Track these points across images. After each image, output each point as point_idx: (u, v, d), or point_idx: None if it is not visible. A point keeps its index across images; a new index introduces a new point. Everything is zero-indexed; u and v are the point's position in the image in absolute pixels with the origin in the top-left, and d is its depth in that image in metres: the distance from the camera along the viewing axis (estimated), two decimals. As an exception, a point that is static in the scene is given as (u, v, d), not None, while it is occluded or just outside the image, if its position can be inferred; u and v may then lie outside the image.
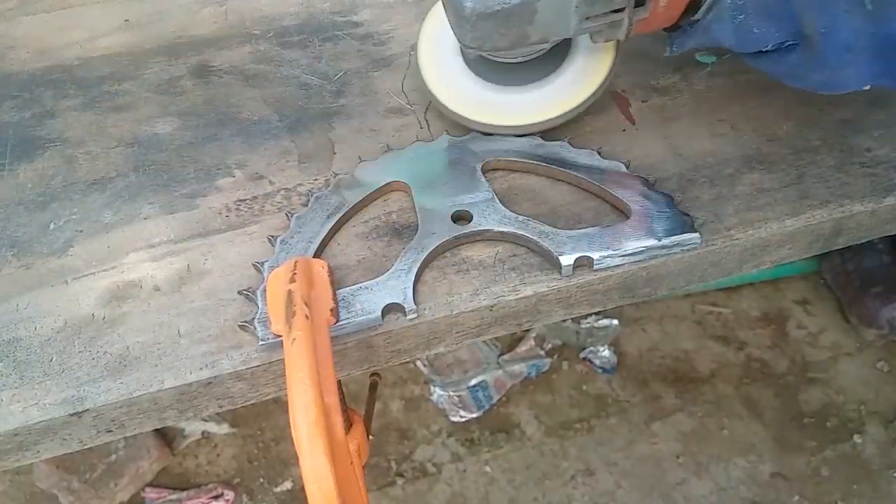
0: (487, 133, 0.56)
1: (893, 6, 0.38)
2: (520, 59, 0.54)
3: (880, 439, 1.52)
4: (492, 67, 0.55)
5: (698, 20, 0.47)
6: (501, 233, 0.49)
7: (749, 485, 1.46)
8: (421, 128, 0.60)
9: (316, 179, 0.56)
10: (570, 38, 0.53)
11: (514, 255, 0.49)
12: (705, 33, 0.48)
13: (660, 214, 0.50)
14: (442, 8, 0.50)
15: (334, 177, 0.56)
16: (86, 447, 0.45)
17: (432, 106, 0.60)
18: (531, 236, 0.49)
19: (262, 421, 1.55)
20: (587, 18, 0.45)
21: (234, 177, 0.57)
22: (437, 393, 1.59)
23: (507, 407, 1.58)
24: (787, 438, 1.53)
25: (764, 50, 0.47)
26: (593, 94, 0.54)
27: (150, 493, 1.43)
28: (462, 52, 0.56)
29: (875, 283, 1.64)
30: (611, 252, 0.48)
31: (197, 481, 1.46)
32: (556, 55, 0.54)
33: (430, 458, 1.50)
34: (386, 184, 0.53)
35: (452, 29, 0.48)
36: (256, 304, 0.45)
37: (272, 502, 1.45)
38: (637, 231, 0.49)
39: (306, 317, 0.39)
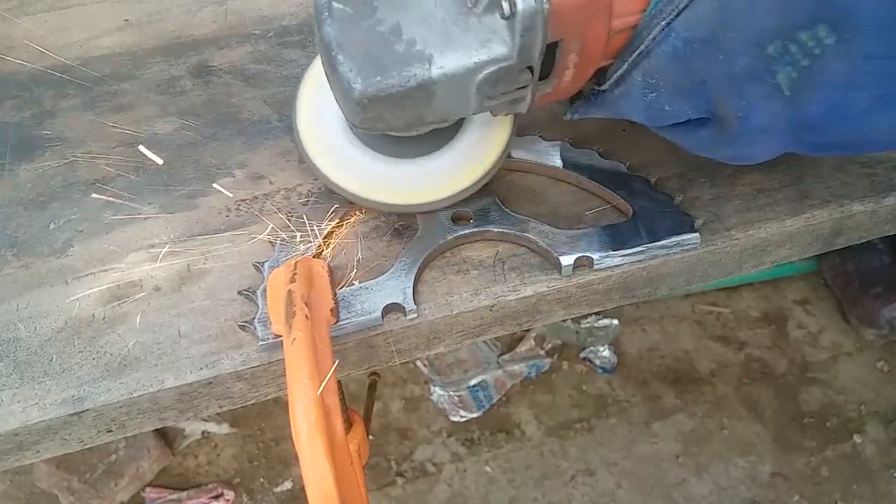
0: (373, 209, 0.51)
1: (811, 91, 0.37)
2: (413, 133, 0.47)
3: (880, 439, 1.52)
4: (381, 139, 0.49)
5: (603, 91, 0.45)
6: (501, 233, 0.49)
7: (749, 485, 1.46)
8: (421, 128, 0.60)
9: (316, 179, 0.56)
10: None
11: (514, 255, 0.49)
12: (611, 106, 0.46)
13: (660, 214, 0.50)
14: (321, 72, 0.44)
15: (334, 177, 0.55)
16: (86, 447, 0.45)
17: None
18: (531, 236, 0.49)
19: (262, 421, 1.55)
20: (488, 98, 0.42)
21: (234, 177, 0.57)
22: (437, 393, 1.59)
23: (507, 407, 1.58)
24: (787, 438, 1.53)
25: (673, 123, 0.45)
26: (491, 167, 0.50)
27: (151, 493, 1.43)
28: (353, 132, 0.50)
29: (875, 283, 1.64)
30: (611, 252, 0.48)
31: (197, 481, 1.46)
32: (452, 126, 0.50)
33: (430, 458, 1.50)
34: (386, 184, 0.53)
35: (340, 108, 0.43)
36: (256, 304, 0.45)
37: (272, 502, 1.45)
38: (637, 231, 0.49)
39: (306, 317, 0.39)
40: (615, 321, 1.67)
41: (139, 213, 0.54)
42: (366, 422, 0.48)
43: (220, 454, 1.51)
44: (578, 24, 0.39)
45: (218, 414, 1.52)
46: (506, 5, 0.37)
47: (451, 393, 1.58)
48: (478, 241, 0.50)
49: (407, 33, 0.40)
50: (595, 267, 0.48)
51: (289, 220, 0.51)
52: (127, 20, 0.74)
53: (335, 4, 0.40)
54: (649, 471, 1.48)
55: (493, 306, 0.47)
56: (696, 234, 0.49)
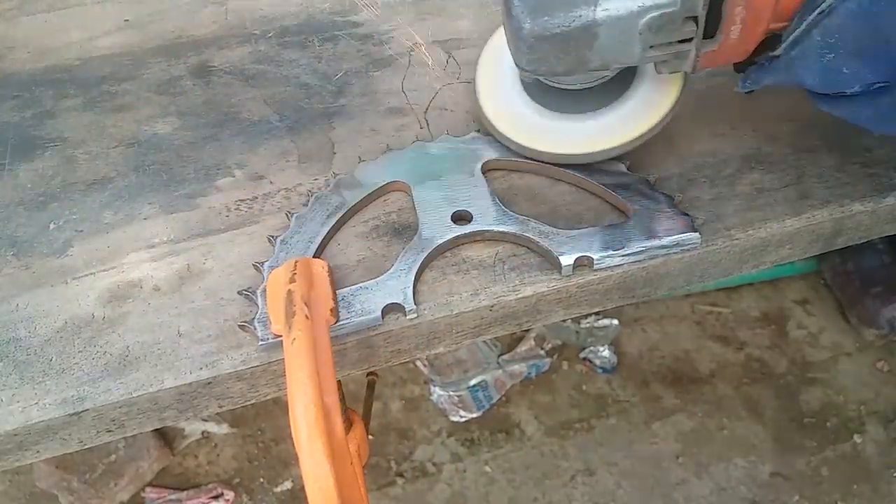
0: (538, 160, 0.53)
1: None
2: (579, 86, 0.51)
3: (880, 439, 1.52)
4: (550, 93, 0.52)
5: (778, 56, 0.43)
6: (501, 233, 0.49)
7: (749, 485, 1.46)
8: (421, 128, 0.60)
9: (316, 179, 0.56)
10: (635, 67, 0.51)
11: (514, 255, 0.49)
12: (786, 71, 0.44)
13: (660, 214, 0.50)
14: (502, 33, 0.49)
15: (334, 177, 0.56)
16: (86, 447, 0.45)
17: (433, 105, 0.60)
18: (531, 236, 0.49)
19: (262, 421, 1.55)
20: (651, 47, 0.43)
21: (234, 177, 0.57)
22: (437, 393, 1.59)
23: (507, 407, 1.58)
24: (787, 438, 1.53)
25: (847, 93, 0.43)
26: (653, 127, 0.51)
27: (150, 493, 1.43)
28: (520, 77, 0.54)
29: (875, 283, 1.65)
30: (611, 252, 0.48)
31: (197, 481, 1.46)
32: (620, 83, 0.52)
33: (430, 458, 1.50)
34: (386, 184, 0.53)
35: (510, 50, 0.46)
36: (256, 304, 0.45)
37: (272, 502, 1.45)
38: (637, 231, 0.49)
39: (306, 317, 0.39)
40: (615, 321, 1.67)
41: (139, 213, 0.54)
42: (365, 422, 0.48)
43: (219, 454, 1.51)
44: None
45: (218, 414, 1.52)
46: None
47: (451, 393, 1.58)
48: (478, 241, 0.50)
49: None
50: (595, 267, 0.48)
51: (289, 220, 0.51)
52: (127, 20, 0.74)
53: None
54: (649, 471, 1.48)
55: (492, 306, 0.47)
56: (696, 234, 0.49)
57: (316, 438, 0.35)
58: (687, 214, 0.50)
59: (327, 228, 0.50)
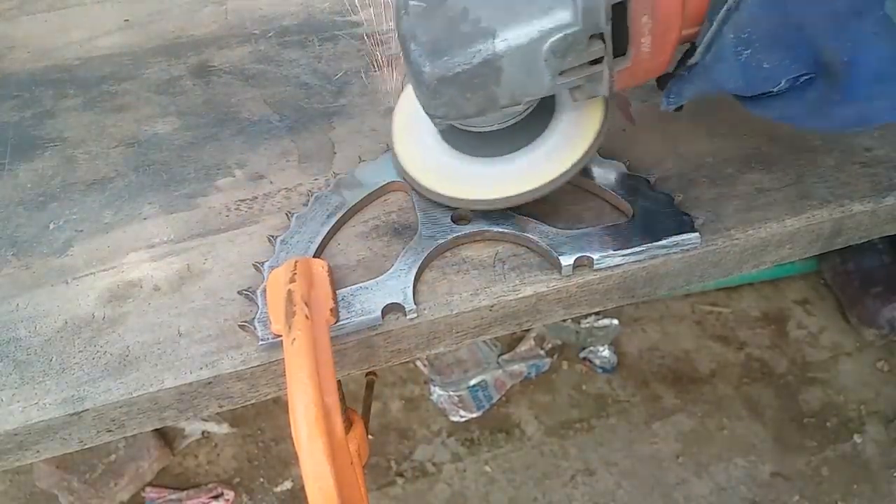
0: (477, 209, 0.50)
1: None
2: (496, 126, 0.47)
3: (880, 439, 1.52)
4: (465, 137, 0.49)
5: (696, 63, 0.42)
6: (501, 233, 0.49)
7: (749, 485, 1.46)
8: (421, 128, 0.60)
9: (316, 179, 0.56)
10: (552, 100, 0.49)
11: (514, 255, 0.49)
12: (706, 77, 0.42)
13: (660, 214, 0.50)
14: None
15: (334, 177, 0.56)
16: (86, 447, 0.45)
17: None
18: (531, 236, 0.49)
19: (262, 421, 1.55)
20: (561, 73, 0.40)
21: (234, 177, 0.57)
22: (437, 393, 1.59)
23: (507, 407, 1.58)
24: (787, 438, 1.53)
25: (774, 91, 0.41)
26: (583, 155, 0.48)
27: (151, 493, 1.43)
28: (435, 125, 0.49)
29: (875, 283, 1.65)
30: (611, 252, 0.48)
31: (197, 481, 1.46)
32: (538, 119, 0.49)
33: (430, 458, 1.50)
34: (386, 184, 0.53)
35: (417, 98, 0.44)
36: (256, 304, 0.45)
37: (272, 502, 1.45)
38: (637, 231, 0.49)
39: (306, 317, 0.39)
40: (615, 321, 1.67)
41: (139, 213, 0.54)
42: (365, 422, 0.48)
43: (219, 454, 1.51)
44: None
45: (218, 414, 1.52)
46: None
47: (451, 393, 1.58)
48: (478, 241, 0.50)
49: (473, 14, 0.40)
50: (595, 267, 0.48)
51: (289, 220, 0.51)
52: (127, 20, 0.74)
53: (411, 2, 0.41)
54: (649, 471, 1.48)
55: (492, 306, 0.47)
56: (696, 234, 0.48)
57: (316, 438, 0.35)
58: (687, 214, 0.50)
59: (327, 228, 0.50)
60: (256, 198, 0.55)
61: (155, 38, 0.72)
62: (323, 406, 0.36)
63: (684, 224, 0.49)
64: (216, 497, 1.43)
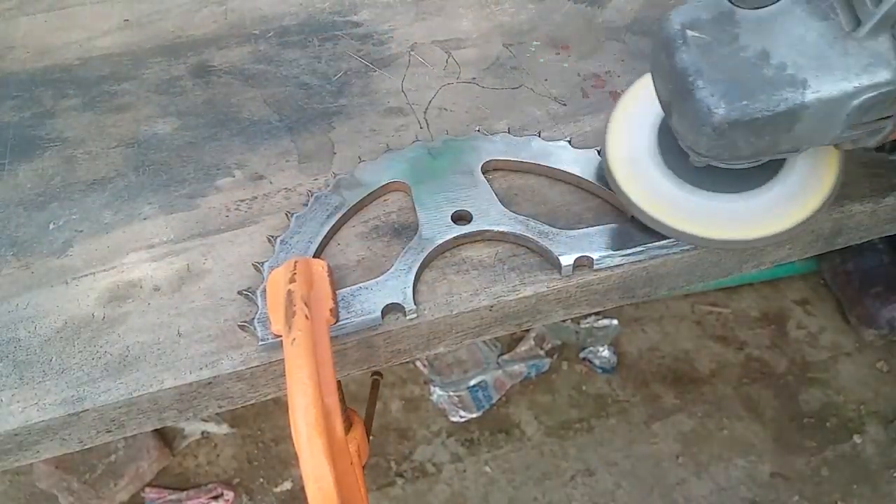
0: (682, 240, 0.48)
1: None
2: (746, 164, 0.45)
3: (880, 439, 1.52)
4: (700, 170, 0.46)
5: None
6: (501, 233, 0.49)
7: (749, 485, 1.46)
8: (421, 128, 0.60)
9: (316, 179, 0.56)
10: None
11: (514, 255, 0.49)
12: None
13: (660, 214, 0.49)
14: (645, 88, 0.43)
15: (334, 177, 0.56)
16: (86, 447, 0.45)
17: (433, 105, 0.60)
18: (531, 236, 0.49)
19: (262, 421, 1.55)
20: (852, 127, 0.39)
21: (234, 177, 0.57)
22: (436, 393, 1.59)
23: (507, 407, 1.58)
24: (787, 438, 1.53)
25: None
26: (822, 205, 0.46)
27: (150, 493, 1.43)
28: (693, 162, 0.45)
29: (875, 283, 1.64)
30: (611, 252, 0.48)
31: (197, 481, 1.46)
32: (774, 161, 0.47)
33: (429, 458, 1.50)
34: (386, 184, 0.53)
35: (684, 135, 0.41)
36: (256, 304, 0.45)
37: (272, 502, 1.45)
38: (637, 231, 0.49)
39: (306, 317, 0.39)
40: (615, 321, 1.67)
41: (139, 213, 0.54)
42: (367, 422, 0.48)
43: (219, 454, 1.51)
44: None
45: (218, 414, 1.52)
46: None
47: (451, 393, 1.58)
48: (478, 241, 0.50)
49: (776, 58, 0.38)
50: (595, 267, 0.48)
51: (289, 220, 0.51)
52: (127, 20, 0.74)
53: (690, 33, 0.39)
54: (649, 471, 1.48)
55: (492, 306, 0.47)
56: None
57: (316, 438, 0.35)
58: (687, 214, 0.49)
59: (327, 228, 0.50)
60: (256, 198, 0.55)
61: (154, 38, 0.72)
62: (323, 406, 0.36)
63: (684, 224, 0.49)
64: (216, 497, 1.43)
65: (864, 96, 0.38)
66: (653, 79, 0.44)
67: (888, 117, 0.39)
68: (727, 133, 0.39)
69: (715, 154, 0.41)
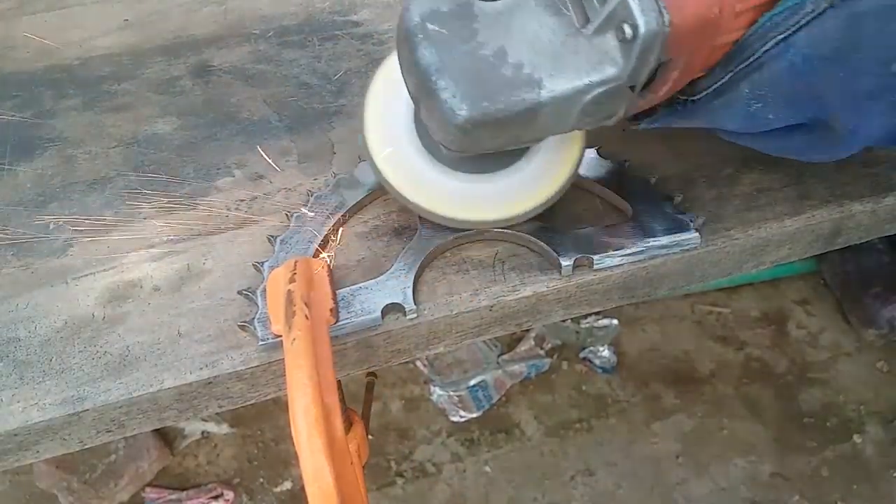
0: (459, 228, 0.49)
1: None
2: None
3: (880, 439, 1.52)
4: (458, 158, 0.48)
5: (694, 100, 0.43)
6: (501, 233, 0.49)
7: (749, 485, 1.46)
8: (421, 128, 0.60)
9: (316, 179, 0.56)
10: None
11: (514, 255, 0.49)
12: (703, 116, 0.44)
13: (660, 214, 0.50)
14: (394, 67, 0.43)
15: (334, 177, 0.55)
16: (86, 447, 0.45)
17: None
18: (531, 236, 0.49)
19: (262, 421, 1.55)
20: (588, 115, 0.41)
21: (234, 177, 0.57)
22: (437, 393, 1.59)
23: (507, 407, 1.58)
24: (787, 438, 1.53)
25: (762, 130, 0.44)
26: (565, 183, 0.49)
27: (150, 493, 1.43)
28: (445, 152, 0.47)
29: (875, 284, 1.65)
30: (611, 252, 0.48)
31: (197, 481, 1.46)
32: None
33: (429, 458, 1.50)
34: (386, 184, 0.53)
35: (431, 131, 0.42)
36: (256, 304, 0.45)
37: (272, 502, 1.45)
38: (637, 231, 0.49)
39: (306, 317, 0.39)
40: (615, 321, 1.67)
41: (139, 213, 0.54)
42: (365, 422, 0.48)
43: (219, 454, 1.51)
44: (691, 42, 0.38)
45: (218, 414, 1.52)
46: (627, 28, 0.36)
47: (451, 393, 1.58)
48: (478, 241, 0.50)
49: (513, 57, 0.39)
50: (595, 267, 0.48)
51: (289, 220, 0.51)
52: (127, 20, 0.74)
53: (430, 26, 0.39)
54: (649, 471, 1.48)
55: (492, 306, 0.47)
56: (696, 234, 0.48)
57: (316, 438, 0.35)
58: (686, 214, 0.50)
59: (327, 228, 0.50)
60: (256, 198, 0.55)
61: (154, 37, 0.72)
62: (323, 406, 0.36)
63: (684, 224, 0.49)
64: (216, 497, 1.43)
65: (595, 92, 0.39)
66: (401, 71, 0.43)
67: (619, 105, 0.41)
68: (471, 132, 0.39)
69: (462, 149, 0.42)
